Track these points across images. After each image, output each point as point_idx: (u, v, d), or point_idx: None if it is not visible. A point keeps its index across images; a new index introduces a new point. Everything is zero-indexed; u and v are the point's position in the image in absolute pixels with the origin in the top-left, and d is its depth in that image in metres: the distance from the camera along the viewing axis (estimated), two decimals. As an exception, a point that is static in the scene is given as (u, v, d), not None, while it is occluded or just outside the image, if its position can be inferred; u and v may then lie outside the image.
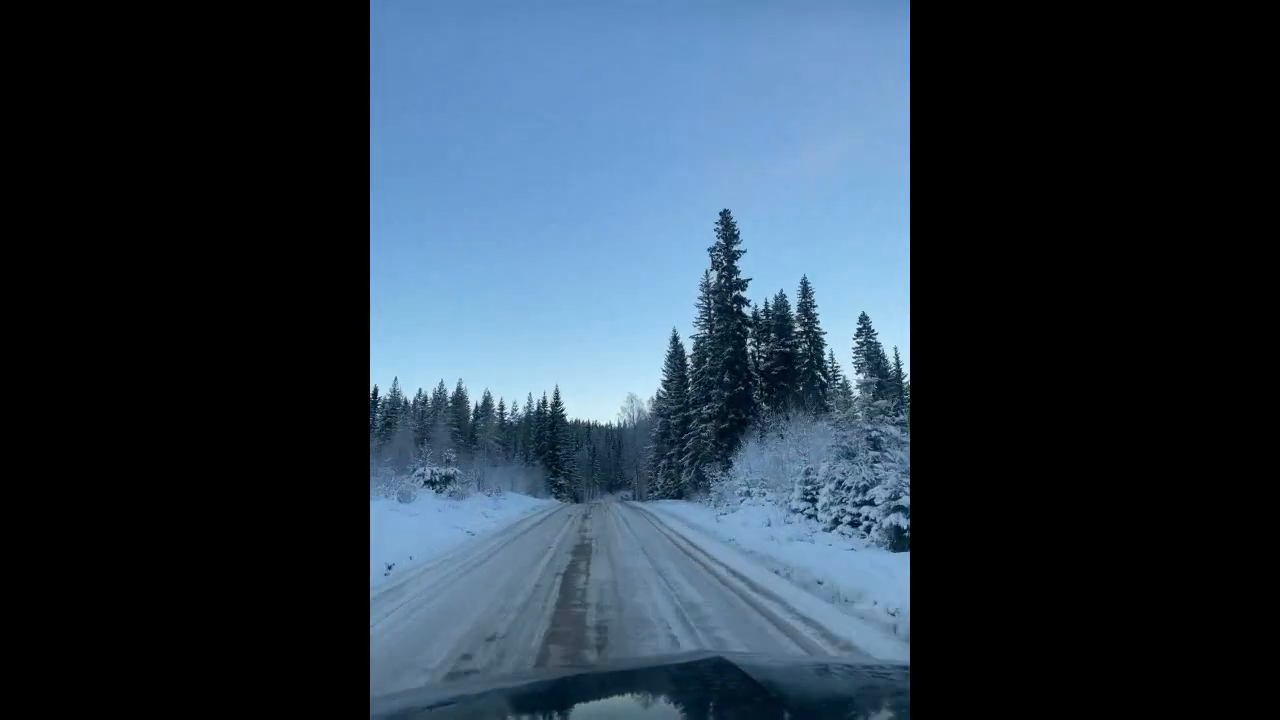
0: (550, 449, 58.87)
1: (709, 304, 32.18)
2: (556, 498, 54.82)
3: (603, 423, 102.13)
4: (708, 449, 27.81)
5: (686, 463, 31.52)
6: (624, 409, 58.58)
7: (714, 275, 30.98)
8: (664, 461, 40.16)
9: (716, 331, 29.89)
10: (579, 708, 1.00)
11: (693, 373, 33.96)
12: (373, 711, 0.80)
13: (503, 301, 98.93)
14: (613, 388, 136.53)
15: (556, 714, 0.97)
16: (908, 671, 0.77)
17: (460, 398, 59.07)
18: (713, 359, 29.44)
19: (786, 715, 0.85)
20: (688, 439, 32.25)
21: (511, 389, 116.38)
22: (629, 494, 74.76)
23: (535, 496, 43.25)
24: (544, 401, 60.46)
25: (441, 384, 59.17)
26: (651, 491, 45.76)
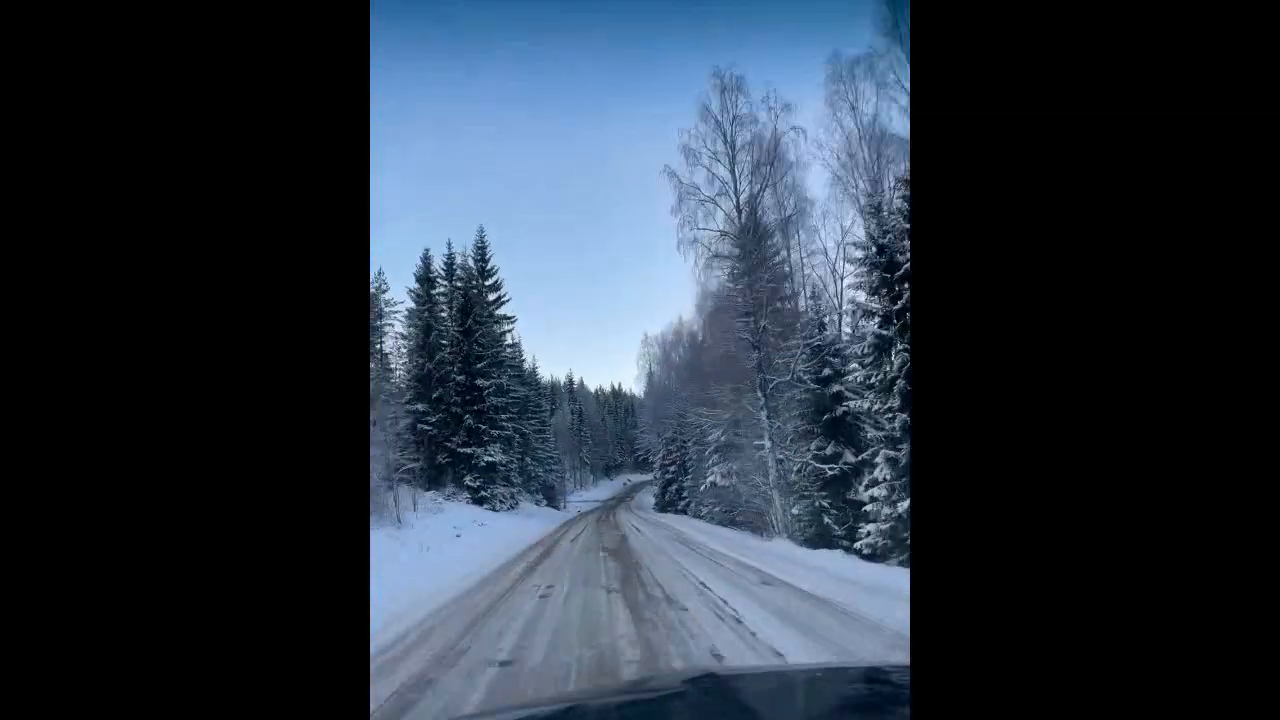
0: (465, 372, 20.96)
1: None
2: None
3: (590, 390, 66.67)
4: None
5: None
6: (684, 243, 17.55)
7: None
8: None
9: None
10: None
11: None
12: None
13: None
14: (600, 357, 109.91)
15: None
16: (904, 674, 0.75)
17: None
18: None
19: None
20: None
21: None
22: (649, 480, 39.25)
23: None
24: (449, 267, 23.22)
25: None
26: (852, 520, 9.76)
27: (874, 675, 1.10)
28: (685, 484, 26.57)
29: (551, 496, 33.48)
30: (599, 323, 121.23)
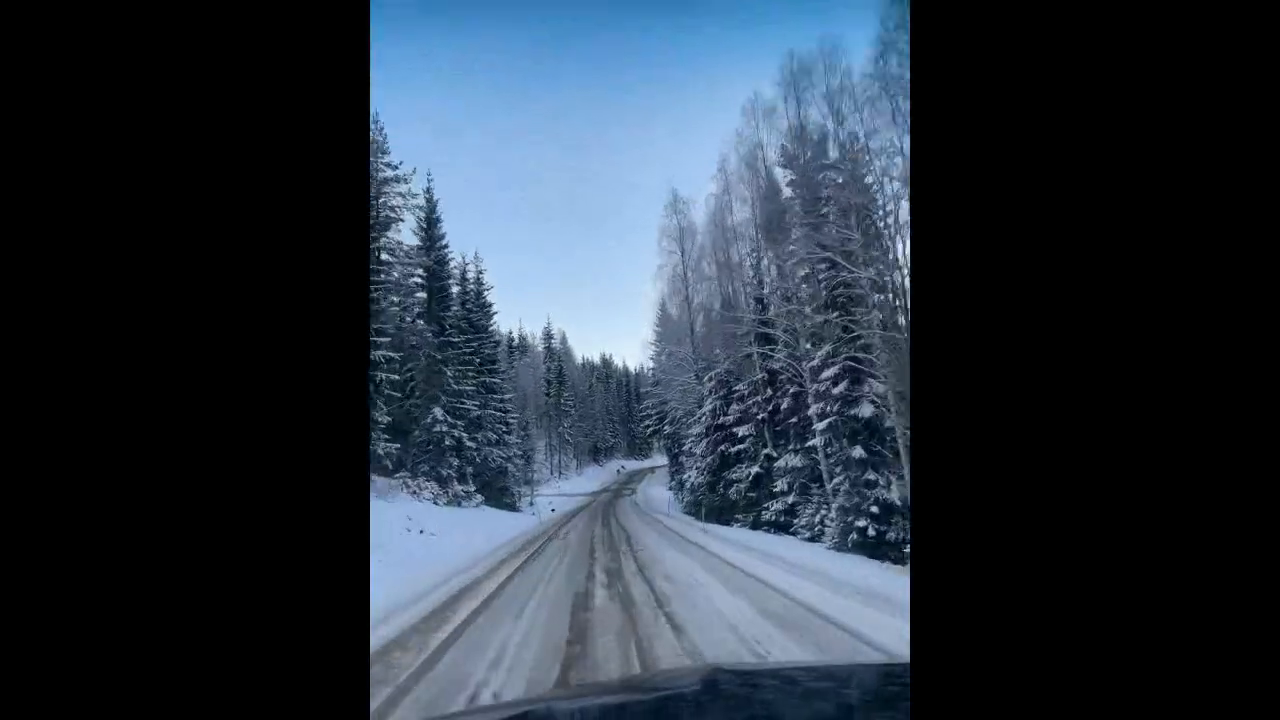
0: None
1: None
2: None
3: (576, 360, 51.76)
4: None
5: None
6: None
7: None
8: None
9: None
10: None
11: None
12: None
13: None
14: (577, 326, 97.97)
15: None
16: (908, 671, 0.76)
17: None
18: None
19: None
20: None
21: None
22: (651, 465, 23.33)
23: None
24: None
25: None
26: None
27: (886, 674, 1.12)
28: (780, 466, 11.99)
29: (503, 490, 18.66)
30: (586, 292, 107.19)
